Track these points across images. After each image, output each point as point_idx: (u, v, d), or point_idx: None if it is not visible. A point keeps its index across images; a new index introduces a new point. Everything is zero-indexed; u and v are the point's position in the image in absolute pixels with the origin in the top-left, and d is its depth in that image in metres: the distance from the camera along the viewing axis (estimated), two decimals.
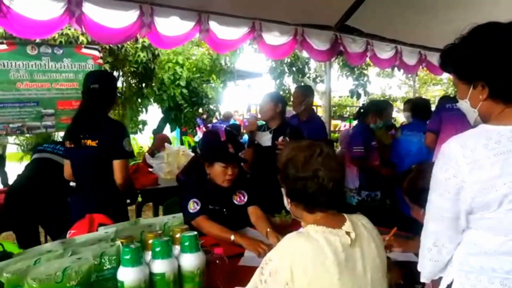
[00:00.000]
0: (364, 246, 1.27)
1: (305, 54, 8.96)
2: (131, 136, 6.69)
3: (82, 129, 2.40)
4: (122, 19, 3.46)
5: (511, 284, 1.03)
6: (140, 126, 7.08)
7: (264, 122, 3.35)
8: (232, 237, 2.08)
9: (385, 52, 5.57)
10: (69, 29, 5.16)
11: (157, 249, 1.32)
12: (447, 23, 5.12)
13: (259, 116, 3.98)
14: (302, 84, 9.04)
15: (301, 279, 1.15)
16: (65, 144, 2.53)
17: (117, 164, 2.37)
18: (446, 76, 15.16)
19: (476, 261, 1.09)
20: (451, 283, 1.13)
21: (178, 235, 1.44)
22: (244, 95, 13.35)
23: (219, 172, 2.35)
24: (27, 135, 5.32)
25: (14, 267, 1.17)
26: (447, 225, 1.11)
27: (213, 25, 3.97)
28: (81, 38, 5.29)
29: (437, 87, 16.94)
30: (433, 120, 3.56)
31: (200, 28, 3.90)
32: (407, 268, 1.83)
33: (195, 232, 1.42)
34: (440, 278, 1.18)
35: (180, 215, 1.66)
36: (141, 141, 8.30)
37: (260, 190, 2.67)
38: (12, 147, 6.68)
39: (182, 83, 6.64)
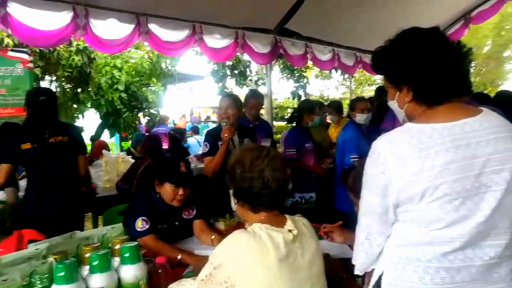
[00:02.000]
0: (305, 243, 1.34)
1: (246, 57, 9.07)
2: None
3: (44, 129, 2.74)
4: (53, 20, 3.27)
5: (433, 272, 1.10)
6: None
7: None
8: (179, 257, 1.99)
9: (324, 54, 5.78)
10: None
11: (95, 263, 1.25)
12: (379, 27, 5.44)
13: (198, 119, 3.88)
14: (246, 86, 9.13)
15: (243, 273, 1.20)
16: (18, 148, 2.66)
17: (82, 158, 2.94)
18: (379, 77, 16.05)
19: (403, 252, 1.15)
20: (382, 274, 1.19)
21: (117, 247, 1.38)
22: (186, 98, 13.21)
23: (169, 192, 2.28)
24: None
25: None
26: (377, 219, 1.17)
27: (154, 27, 3.89)
28: (7, 40, 4.91)
29: (371, 87, 17.85)
30: (387, 121, 3.67)
31: (139, 31, 3.79)
32: (348, 262, 1.91)
33: (136, 243, 1.37)
34: (373, 270, 1.24)
35: (119, 225, 1.59)
36: None
37: (209, 195, 2.66)
38: None
39: (121, 87, 6.39)
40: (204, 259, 1.95)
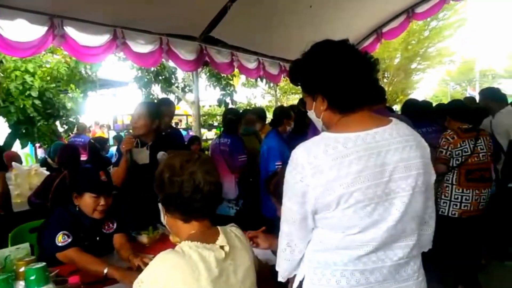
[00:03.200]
0: (237, 258, 1.32)
1: (171, 63, 8.92)
2: None
3: None
4: None
5: (349, 274, 1.16)
6: None
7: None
8: (105, 270, 1.90)
9: (250, 63, 5.88)
10: None
11: None
12: (299, 39, 5.68)
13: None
14: (173, 93, 8.96)
15: None
16: None
17: None
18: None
19: (321, 257, 1.20)
20: (303, 279, 1.22)
21: (22, 269, 1.26)
22: (109, 105, 12.63)
23: (89, 203, 2.18)
24: None
25: None
26: (297, 226, 1.20)
27: (70, 31, 3.67)
28: None
29: (296, 95, 18.53)
30: (311, 130, 3.77)
31: (53, 34, 3.55)
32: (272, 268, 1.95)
33: (43, 263, 1.26)
34: (294, 277, 1.27)
35: (25, 245, 1.46)
36: None
37: (131, 208, 2.55)
38: None
39: (34, 94, 5.90)
40: (132, 273, 1.90)
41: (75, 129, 7.24)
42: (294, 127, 3.97)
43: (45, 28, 3.51)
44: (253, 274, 1.38)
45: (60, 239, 2.07)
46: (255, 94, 18.06)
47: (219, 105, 9.98)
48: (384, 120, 1.22)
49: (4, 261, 1.35)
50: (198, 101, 6.88)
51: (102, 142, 5.45)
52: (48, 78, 6.35)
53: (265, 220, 3.54)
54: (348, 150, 1.13)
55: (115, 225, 2.37)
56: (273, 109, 16.78)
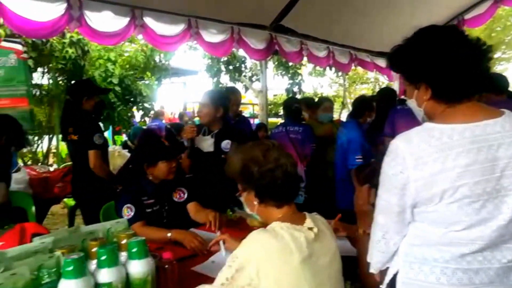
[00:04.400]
0: (325, 241, 1.33)
1: (241, 52, 9.04)
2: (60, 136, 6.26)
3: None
4: (47, 11, 3.22)
5: (450, 272, 1.10)
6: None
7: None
8: (169, 234, 2.09)
9: (320, 51, 5.78)
10: None
11: (103, 258, 1.24)
12: (373, 26, 5.50)
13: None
14: (241, 82, 9.10)
15: (266, 275, 1.17)
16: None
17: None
18: (372, 75, 16.12)
19: (419, 252, 1.15)
20: (397, 273, 1.19)
21: (124, 241, 1.36)
22: (180, 93, 13.12)
23: (164, 169, 2.37)
24: None
25: None
26: (394, 219, 1.17)
27: (149, 21, 3.85)
28: None
29: (364, 85, 17.93)
30: (388, 125, 3.63)
31: (135, 24, 3.76)
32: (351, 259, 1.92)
33: (143, 238, 1.35)
34: (387, 269, 1.24)
35: (124, 220, 1.58)
36: None
37: (204, 192, 2.66)
38: None
39: (115, 81, 6.30)
40: (191, 235, 2.02)
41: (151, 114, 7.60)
42: (375, 119, 3.85)
43: (127, 19, 3.71)
44: (339, 259, 1.38)
45: (126, 212, 2.25)
46: (322, 83, 17.78)
47: (287, 94, 9.94)
48: (495, 112, 1.13)
49: (107, 233, 1.45)
50: (266, 90, 6.91)
51: (178, 128, 5.69)
52: (127, 66, 6.72)
53: (336, 211, 3.52)
54: (454, 142, 1.07)
55: (185, 195, 2.51)
56: (340, 99, 16.44)
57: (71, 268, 1.16)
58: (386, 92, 4.61)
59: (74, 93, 3.45)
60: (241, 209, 2.53)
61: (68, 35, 5.44)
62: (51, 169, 5.10)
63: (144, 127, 7.31)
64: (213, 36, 4.45)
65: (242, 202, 1.46)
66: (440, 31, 1.17)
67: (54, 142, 6.49)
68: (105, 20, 3.57)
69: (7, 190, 2.90)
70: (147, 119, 8.22)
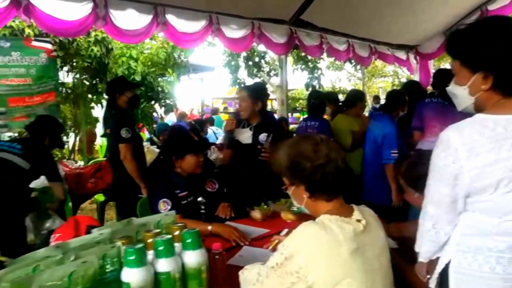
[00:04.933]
0: (373, 233, 1.33)
1: (261, 48, 9.05)
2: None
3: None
4: (74, 11, 3.35)
5: (505, 262, 1.12)
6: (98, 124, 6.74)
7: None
8: (210, 227, 2.15)
9: (340, 44, 5.77)
10: (13, 21, 4.80)
11: (160, 248, 1.29)
12: (394, 18, 5.46)
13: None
14: (258, 78, 9.11)
15: (315, 266, 1.18)
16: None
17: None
18: (391, 68, 15.94)
19: (472, 241, 1.17)
20: (449, 262, 1.21)
21: (177, 233, 1.42)
22: (197, 89, 13.21)
23: (192, 162, 2.45)
24: None
25: (12, 276, 1.10)
26: (445, 209, 1.19)
27: (171, 18, 3.93)
28: (27, 30, 4.94)
29: (384, 79, 17.74)
30: (416, 118, 3.63)
31: (157, 22, 3.83)
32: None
33: (197, 229, 1.41)
34: (437, 259, 1.26)
35: (172, 213, 1.64)
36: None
37: (240, 184, 2.72)
38: None
39: (137, 78, 6.38)
40: (231, 229, 2.08)
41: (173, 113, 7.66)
42: (407, 113, 3.84)
43: (150, 17, 3.79)
44: (388, 252, 1.39)
45: (162, 207, 2.32)
46: (340, 77, 17.64)
47: (306, 89, 9.92)
48: None
49: (157, 225, 1.51)
50: (286, 85, 6.91)
51: (201, 124, 5.78)
52: (149, 63, 6.80)
53: (367, 205, 3.53)
54: (509, 132, 1.08)
55: (217, 185, 2.61)
56: None
57: (133, 257, 1.22)
58: (414, 84, 4.57)
59: (108, 91, 3.66)
60: (274, 203, 2.59)
61: (93, 33, 5.54)
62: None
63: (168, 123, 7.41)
64: (233, 31, 4.50)
65: (290, 195, 1.48)
66: (510, 22, 1.15)
67: (79, 139, 6.64)
68: (129, 18, 3.67)
69: (64, 188, 2.99)
70: (164, 115, 8.35)
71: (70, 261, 1.18)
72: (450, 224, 1.21)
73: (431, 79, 4.46)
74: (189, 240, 1.36)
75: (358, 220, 1.30)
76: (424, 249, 1.26)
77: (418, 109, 3.60)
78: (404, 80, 14.85)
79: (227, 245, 2.00)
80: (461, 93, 1.25)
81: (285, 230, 1.77)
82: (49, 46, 4.61)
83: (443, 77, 3.55)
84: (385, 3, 5.06)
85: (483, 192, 1.11)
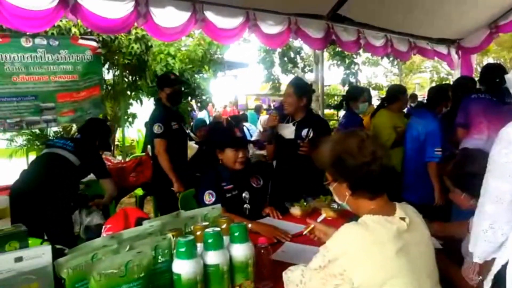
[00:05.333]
0: (418, 232, 1.31)
1: (296, 43, 9.00)
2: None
3: None
4: (118, 9, 3.44)
5: None
6: (130, 119, 6.95)
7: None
8: (250, 225, 2.15)
9: (377, 40, 5.66)
10: (61, 20, 5.01)
11: (210, 241, 1.32)
12: (434, 11, 5.28)
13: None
14: (293, 74, 9.07)
15: (360, 268, 1.16)
16: None
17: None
18: (430, 63, 15.45)
19: None
20: (506, 263, 1.17)
21: (224, 226, 1.45)
22: (232, 86, 13.35)
23: (230, 157, 2.50)
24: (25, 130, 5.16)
25: (73, 263, 1.16)
26: (505, 208, 1.15)
27: (209, 15, 3.97)
28: (73, 29, 5.15)
29: (422, 74, 17.23)
30: (460, 114, 3.48)
31: (196, 18, 3.89)
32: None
33: (244, 223, 1.43)
34: (491, 260, 1.22)
35: (218, 206, 1.67)
36: (132, 134, 8.19)
37: (282, 180, 2.74)
38: (1, 142, 6.48)
39: None
40: (272, 228, 2.10)
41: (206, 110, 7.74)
42: (450, 109, 3.71)
43: (189, 14, 3.84)
44: (433, 250, 1.36)
45: (207, 198, 2.38)
46: (376, 73, 17.27)
47: (343, 85, 9.79)
48: None
49: (204, 218, 1.55)
50: (323, 80, 6.85)
51: (237, 121, 5.84)
52: (186, 60, 6.92)
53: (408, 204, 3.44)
54: None
55: (261, 181, 2.65)
56: None
57: (184, 249, 1.25)
58: (464, 81, 4.39)
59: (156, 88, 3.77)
60: (314, 199, 2.59)
61: (133, 31, 5.69)
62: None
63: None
64: (270, 27, 4.50)
65: (332, 191, 1.48)
66: None
67: (118, 135, 6.86)
68: (168, 16, 3.73)
69: (114, 184, 3.13)
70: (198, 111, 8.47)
71: (125, 251, 1.23)
72: (508, 224, 1.16)
73: (473, 74, 4.27)
74: (236, 234, 1.39)
75: (402, 218, 1.27)
76: (480, 249, 1.21)
77: (463, 105, 3.45)
78: (444, 75, 14.37)
79: (269, 241, 2.02)
80: None
81: (322, 216, 1.75)
82: (94, 43, 4.79)
83: (492, 72, 3.40)
84: None
85: None
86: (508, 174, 1.11)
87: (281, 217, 2.47)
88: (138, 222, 1.57)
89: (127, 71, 6.39)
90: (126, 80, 6.48)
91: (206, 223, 1.47)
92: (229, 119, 5.90)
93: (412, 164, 3.50)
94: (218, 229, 1.36)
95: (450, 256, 1.84)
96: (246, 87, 16.20)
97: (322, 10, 4.93)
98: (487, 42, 6.15)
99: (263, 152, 4.46)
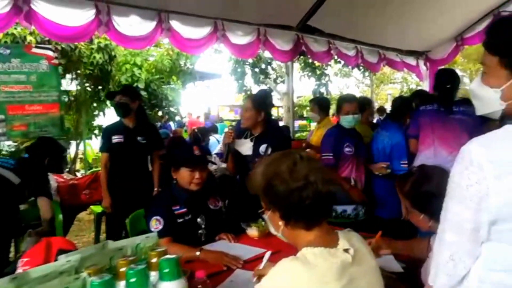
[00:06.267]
0: (363, 261, 1.17)
1: (267, 54, 8.93)
2: (86, 141, 6.32)
3: None
4: (77, 17, 3.29)
5: None
6: (96, 132, 6.67)
7: None
8: (198, 253, 2.00)
9: (348, 50, 5.64)
10: (15, 28, 4.76)
11: (132, 280, 1.14)
12: (403, 24, 5.32)
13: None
14: (265, 85, 9.00)
15: None
16: None
17: None
18: (400, 75, 15.73)
19: (498, 278, 0.98)
20: None
21: (154, 260, 1.26)
22: (203, 97, 13.18)
23: (185, 177, 2.27)
24: None
25: None
26: (467, 237, 1.00)
27: (175, 24, 3.86)
28: (29, 38, 4.88)
29: (392, 85, 17.54)
30: (412, 126, 3.42)
31: (161, 28, 3.76)
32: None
33: (176, 256, 1.25)
34: None
35: (154, 235, 1.48)
36: (96, 147, 7.88)
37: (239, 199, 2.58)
38: None
39: (141, 85, 6.32)
40: (220, 255, 1.92)
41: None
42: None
43: (154, 23, 3.71)
44: (381, 279, 1.22)
45: (154, 224, 2.16)
46: (348, 84, 17.46)
47: (314, 96, 9.77)
48: None
49: (136, 249, 1.36)
50: (293, 92, 6.77)
51: (205, 132, 5.65)
52: (153, 70, 6.74)
53: (378, 220, 3.31)
54: None
55: (220, 203, 2.45)
56: None
57: None
58: (422, 92, 4.37)
59: None
60: None
61: (95, 40, 5.48)
62: (78, 175, 5.14)
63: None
64: (239, 38, 4.42)
65: (266, 221, 1.31)
66: None
67: (81, 147, 6.56)
68: (132, 24, 3.60)
69: (51, 205, 2.88)
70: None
71: None
72: (470, 256, 1.02)
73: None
74: (166, 270, 1.20)
75: (346, 250, 1.13)
76: (439, 282, 1.07)
77: (415, 117, 3.40)
78: (413, 86, 14.64)
79: (217, 268, 1.84)
80: (489, 96, 1.06)
81: (268, 254, 1.51)
82: (50, 53, 4.55)
83: (443, 78, 3.31)
84: (394, 8, 4.92)
85: None
86: (470, 198, 0.97)
87: (237, 240, 2.28)
88: (56, 257, 1.36)
89: (91, 82, 6.15)
90: (90, 90, 6.23)
91: (133, 257, 1.27)
92: (196, 130, 5.70)
93: (380, 178, 3.39)
94: (142, 266, 1.17)
95: (412, 279, 1.71)
96: (220, 98, 16.08)
97: (292, 21, 4.87)
98: (453, 54, 6.23)
99: None
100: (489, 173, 0.93)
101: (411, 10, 5.00)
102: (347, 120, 3.19)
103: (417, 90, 4.94)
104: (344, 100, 3.27)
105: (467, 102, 3.07)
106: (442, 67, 6.61)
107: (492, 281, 0.99)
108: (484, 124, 3.00)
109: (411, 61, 6.55)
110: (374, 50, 6.06)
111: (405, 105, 3.65)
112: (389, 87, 17.85)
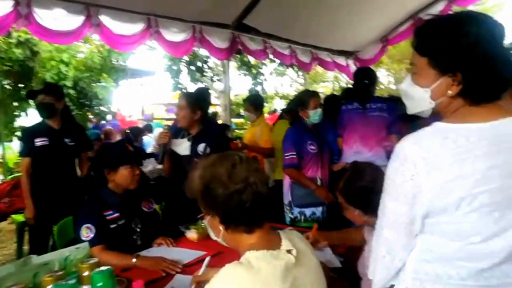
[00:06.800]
0: (306, 261, 1.18)
1: (202, 52, 8.82)
2: (6, 144, 5.80)
3: None
4: None
5: None
6: (18, 133, 6.15)
7: None
8: (134, 260, 1.92)
9: (283, 49, 5.75)
10: None
11: None
12: (335, 25, 5.53)
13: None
14: (201, 83, 8.88)
15: None
16: None
17: None
18: (332, 74, 16.35)
19: (431, 268, 1.04)
20: None
21: (86, 273, 1.17)
22: (137, 95, 12.73)
23: (126, 176, 2.19)
24: None
25: None
26: (401, 231, 1.05)
27: (105, 19, 3.65)
28: None
29: (325, 84, 18.18)
30: (338, 125, 3.52)
31: (90, 23, 3.55)
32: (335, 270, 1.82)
33: (109, 268, 1.17)
34: (390, 287, 1.13)
35: (85, 245, 1.39)
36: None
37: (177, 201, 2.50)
38: None
39: (69, 83, 5.90)
40: (159, 260, 1.86)
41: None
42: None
43: (82, 18, 3.50)
44: (323, 276, 1.25)
45: (84, 233, 2.04)
46: (282, 83, 17.77)
47: (250, 94, 9.83)
48: (509, 110, 1.02)
49: (64, 262, 1.25)
50: (229, 90, 6.75)
51: (136, 133, 5.40)
52: (82, 67, 6.35)
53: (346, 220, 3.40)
54: (471, 144, 0.96)
55: (154, 205, 2.39)
56: None
57: None
58: (350, 90, 4.53)
59: None
60: None
61: (15, 34, 5.04)
62: None
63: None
64: (174, 35, 4.31)
65: (206, 226, 1.27)
66: (495, 24, 1.00)
67: (0, 150, 6.00)
68: (57, 18, 3.35)
69: None
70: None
71: None
72: (405, 250, 1.07)
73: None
74: (99, 284, 1.13)
75: (288, 251, 1.13)
76: (378, 277, 1.11)
77: (340, 116, 3.53)
78: (344, 85, 15.28)
79: (155, 275, 1.77)
80: (419, 95, 1.09)
81: (207, 260, 1.49)
82: None
83: (360, 75, 3.51)
84: (324, 9, 5.09)
85: (443, 212, 0.98)
86: (404, 194, 1.01)
87: (175, 244, 2.21)
88: None
89: (10, 79, 5.66)
90: (10, 88, 5.73)
91: (61, 272, 1.17)
92: (127, 131, 5.47)
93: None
94: (72, 281, 1.09)
95: (350, 272, 1.78)
96: (155, 96, 15.61)
97: (227, 19, 4.85)
98: (380, 54, 6.61)
99: None
100: (421, 169, 0.97)
101: (339, 11, 5.20)
102: (317, 114, 3.05)
103: (347, 88, 5.16)
104: (311, 95, 3.17)
105: (384, 99, 3.24)
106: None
107: (426, 271, 1.04)
108: (401, 120, 3.24)
109: (342, 61, 6.81)
110: (307, 50, 6.23)
111: (336, 103, 3.78)
112: (322, 85, 18.49)
